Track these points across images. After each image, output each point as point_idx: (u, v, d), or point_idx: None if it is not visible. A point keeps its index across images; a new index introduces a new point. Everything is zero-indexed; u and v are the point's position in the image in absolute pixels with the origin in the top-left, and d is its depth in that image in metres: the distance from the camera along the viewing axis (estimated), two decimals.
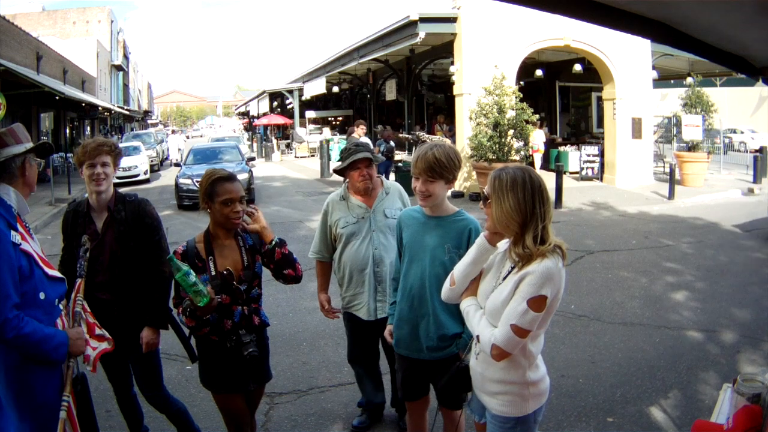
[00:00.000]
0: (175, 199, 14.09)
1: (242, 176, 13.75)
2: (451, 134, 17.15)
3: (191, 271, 2.53)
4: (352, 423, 3.85)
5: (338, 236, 3.51)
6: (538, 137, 15.90)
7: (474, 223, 2.77)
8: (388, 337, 2.98)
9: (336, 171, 3.57)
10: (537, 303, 2.02)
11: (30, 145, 2.46)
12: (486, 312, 2.18)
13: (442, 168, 2.65)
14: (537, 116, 13.96)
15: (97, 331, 2.68)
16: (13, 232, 2.25)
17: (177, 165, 16.48)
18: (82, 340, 2.48)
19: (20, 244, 2.27)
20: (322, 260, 3.65)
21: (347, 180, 3.54)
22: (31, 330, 2.19)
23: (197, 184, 11.94)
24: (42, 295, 2.32)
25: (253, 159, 17.36)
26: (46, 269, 2.38)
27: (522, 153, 13.30)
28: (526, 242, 2.06)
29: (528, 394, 2.19)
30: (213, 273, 2.71)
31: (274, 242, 2.80)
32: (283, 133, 34.49)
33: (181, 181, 13.81)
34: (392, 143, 14.53)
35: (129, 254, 3.05)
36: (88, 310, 2.69)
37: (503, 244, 2.30)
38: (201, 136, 59.57)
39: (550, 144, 18.13)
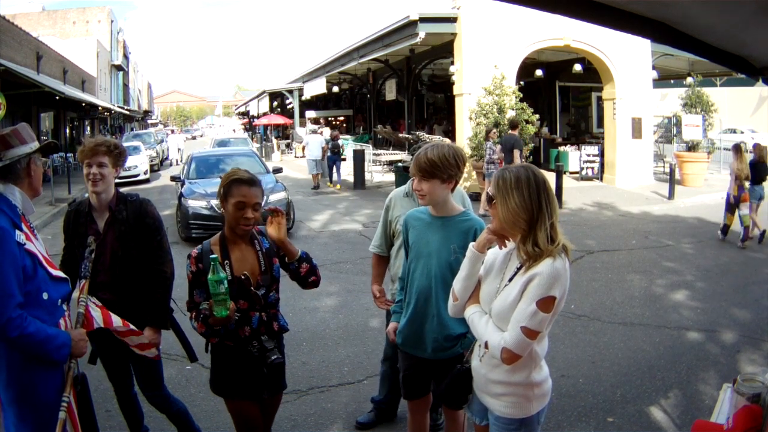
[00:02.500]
0: (177, 227, 10.06)
1: (277, 197, 10.05)
2: (445, 135, 17.38)
3: (226, 282, 2.49)
4: (357, 419, 3.86)
5: (397, 232, 3.46)
6: None
7: (479, 223, 2.76)
8: (391, 334, 2.97)
9: (407, 167, 3.51)
10: (546, 304, 2.02)
11: (35, 145, 2.46)
12: (492, 315, 2.17)
13: (434, 168, 2.65)
14: (536, 116, 13.97)
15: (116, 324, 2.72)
16: (17, 232, 2.26)
17: (176, 179, 11.40)
18: (85, 341, 2.49)
19: (25, 243, 2.27)
20: (381, 254, 3.60)
21: (413, 177, 3.52)
22: (35, 330, 2.20)
23: (215, 207, 9.31)
24: (45, 295, 2.32)
25: (279, 170, 12.27)
26: (50, 269, 2.39)
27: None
28: (537, 241, 2.05)
29: (532, 396, 2.18)
30: (230, 278, 2.61)
31: (299, 257, 2.74)
32: (283, 133, 34.50)
33: (191, 203, 9.67)
34: (339, 140, 17.99)
35: (130, 254, 3.05)
36: (99, 304, 2.70)
37: (509, 246, 2.30)
38: (201, 136, 59.37)
39: (550, 144, 18.14)
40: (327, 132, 24.16)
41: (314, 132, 20.43)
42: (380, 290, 3.58)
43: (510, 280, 2.14)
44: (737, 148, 9.26)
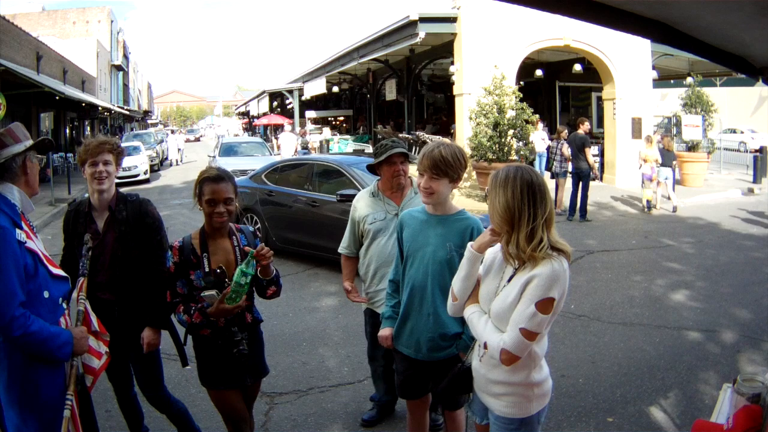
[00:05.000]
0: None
1: None
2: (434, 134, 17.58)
3: (250, 278, 2.65)
4: (363, 417, 3.88)
5: (365, 232, 3.52)
6: (536, 137, 15.85)
7: (476, 223, 2.75)
8: (387, 341, 2.93)
9: (371, 166, 3.53)
10: (545, 305, 2.01)
11: (29, 142, 2.47)
12: (492, 316, 2.16)
13: (448, 166, 2.65)
14: (536, 116, 13.98)
15: (94, 326, 2.68)
16: (18, 231, 2.26)
17: (346, 198, 6.59)
18: (86, 339, 2.49)
19: (25, 242, 2.28)
20: (350, 255, 3.65)
21: (378, 177, 3.55)
22: (38, 328, 2.20)
23: None
24: (46, 294, 2.33)
25: None
26: (51, 268, 2.39)
27: (523, 153, 13.27)
28: (519, 241, 2.05)
29: (532, 395, 2.19)
30: (207, 270, 2.75)
31: (270, 279, 2.83)
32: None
33: None
34: (307, 139, 19.36)
35: (130, 254, 3.05)
36: (89, 309, 2.69)
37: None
38: (203, 136, 59.25)
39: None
40: (327, 131, 24.22)
41: (288, 132, 21.13)
42: (352, 286, 3.64)
43: (509, 280, 2.14)
44: (648, 138, 12.14)
